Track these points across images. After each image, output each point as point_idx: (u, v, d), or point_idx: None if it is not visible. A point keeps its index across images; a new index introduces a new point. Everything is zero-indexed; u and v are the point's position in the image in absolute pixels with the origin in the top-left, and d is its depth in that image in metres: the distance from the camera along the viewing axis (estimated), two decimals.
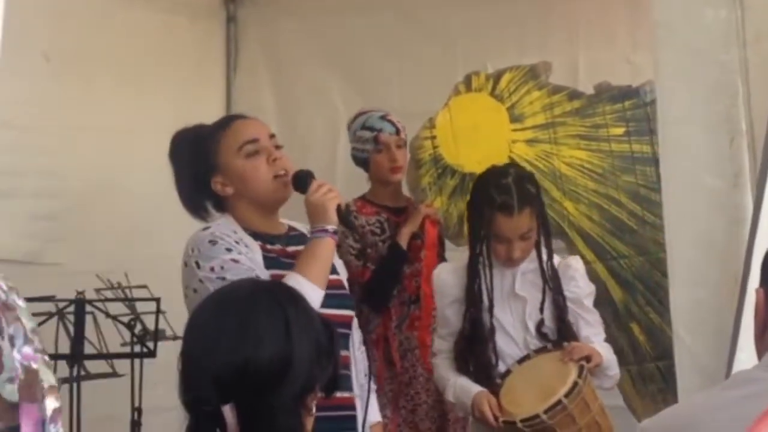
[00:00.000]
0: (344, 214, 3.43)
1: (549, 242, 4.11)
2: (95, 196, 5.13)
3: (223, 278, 3.25)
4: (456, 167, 5.62)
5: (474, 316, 4.06)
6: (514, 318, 4.06)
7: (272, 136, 3.53)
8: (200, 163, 3.50)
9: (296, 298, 2.40)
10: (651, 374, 5.18)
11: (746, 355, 3.06)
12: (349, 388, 3.43)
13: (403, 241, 4.83)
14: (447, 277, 4.19)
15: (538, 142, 5.50)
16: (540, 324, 4.04)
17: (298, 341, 2.24)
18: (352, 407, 3.45)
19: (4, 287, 1.40)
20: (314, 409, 2.30)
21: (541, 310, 4.04)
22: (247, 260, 3.34)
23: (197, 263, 3.35)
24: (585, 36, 5.44)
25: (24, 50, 4.57)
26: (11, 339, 1.34)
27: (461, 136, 5.62)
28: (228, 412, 2.19)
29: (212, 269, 3.31)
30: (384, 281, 4.80)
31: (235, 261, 3.32)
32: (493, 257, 4.05)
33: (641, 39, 5.02)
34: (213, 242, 3.36)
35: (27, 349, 1.36)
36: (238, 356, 2.20)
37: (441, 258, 5.01)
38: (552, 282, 4.07)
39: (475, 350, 4.05)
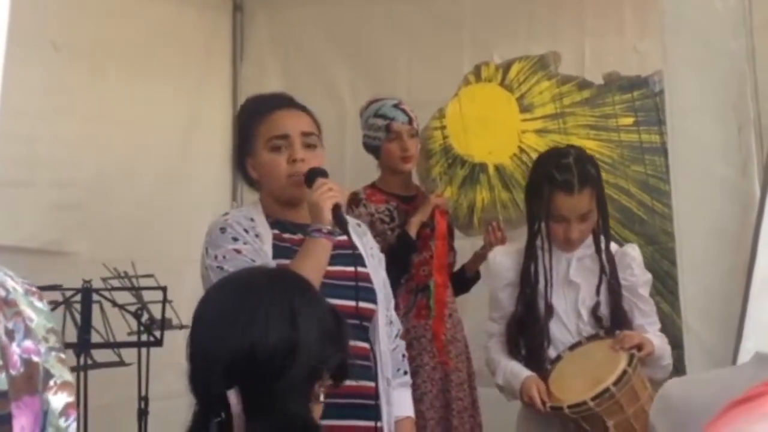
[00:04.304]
0: (339, 214, 3.36)
1: (607, 227, 4.11)
2: (104, 185, 5.14)
3: (222, 268, 3.28)
4: (466, 157, 5.61)
5: (528, 299, 4.07)
6: (568, 304, 4.08)
7: (307, 134, 3.49)
8: (244, 139, 3.56)
9: (303, 286, 2.41)
10: None
11: (752, 344, 3.05)
12: (368, 378, 3.42)
13: (412, 230, 4.82)
14: (502, 259, 4.19)
15: (547, 132, 5.50)
16: (596, 307, 4.03)
17: (304, 328, 2.25)
18: (372, 396, 3.43)
19: (10, 287, 1.43)
20: (322, 397, 2.30)
21: (597, 292, 4.04)
22: (252, 251, 3.34)
23: (207, 249, 3.39)
24: (592, 25, 5.43)
25: (34, 40, 4.58)
26: (10, 333, 1.39)
27: (471, 126, 5.61)
28: (233, 396, 2.19)
29: (216, 257, 3.34)
30: (392, 270, 4.77)
31: (237, 251, 3.33)
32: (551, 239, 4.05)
33: (649, 28, 5.01)
34: (223, 230, 3.39)
35: (28, 343, 1.40)
36: (244, 341, 2.21)
37: (451, 248, 5.02)
38: (609, 267, 4.06)
39: (527, 333, 4.06)
